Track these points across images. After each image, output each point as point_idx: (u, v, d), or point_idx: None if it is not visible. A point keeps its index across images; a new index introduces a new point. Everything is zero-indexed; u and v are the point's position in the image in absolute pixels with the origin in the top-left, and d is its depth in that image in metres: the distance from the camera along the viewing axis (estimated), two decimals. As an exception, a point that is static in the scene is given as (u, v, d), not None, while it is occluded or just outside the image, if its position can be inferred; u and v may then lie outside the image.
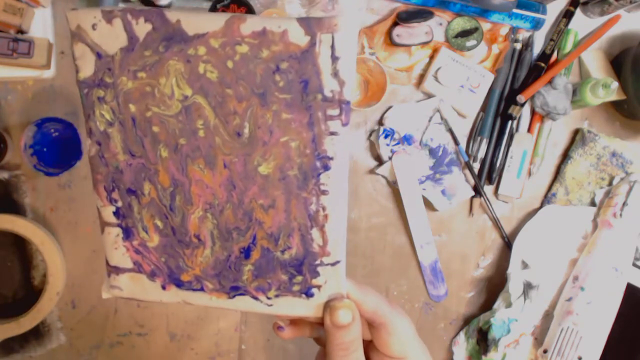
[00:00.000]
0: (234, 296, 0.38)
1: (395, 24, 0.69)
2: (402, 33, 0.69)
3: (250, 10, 0.54)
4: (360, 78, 0.71)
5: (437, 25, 0.71)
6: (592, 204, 0.73)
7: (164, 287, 0.38)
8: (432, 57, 0.71)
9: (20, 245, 0.64)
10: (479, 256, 0.74)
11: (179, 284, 0.38)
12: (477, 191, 0.72)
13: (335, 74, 0.34)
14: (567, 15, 0.72)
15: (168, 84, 0.35)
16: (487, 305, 0.74)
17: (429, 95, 0.71)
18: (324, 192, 0.36)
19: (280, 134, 0.35)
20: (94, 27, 0.36)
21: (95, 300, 0.66)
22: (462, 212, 0.73)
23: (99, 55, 0.36)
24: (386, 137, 0.69)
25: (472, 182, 0.72)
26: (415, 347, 0.36)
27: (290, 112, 0.35)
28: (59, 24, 0.65)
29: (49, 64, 0.63)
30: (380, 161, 0.71)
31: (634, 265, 0.69)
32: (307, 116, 0.35)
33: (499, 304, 0.70)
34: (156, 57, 0.35)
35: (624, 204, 0.68)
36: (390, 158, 0.69)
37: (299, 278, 0.37)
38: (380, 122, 0.71)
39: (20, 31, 0.61)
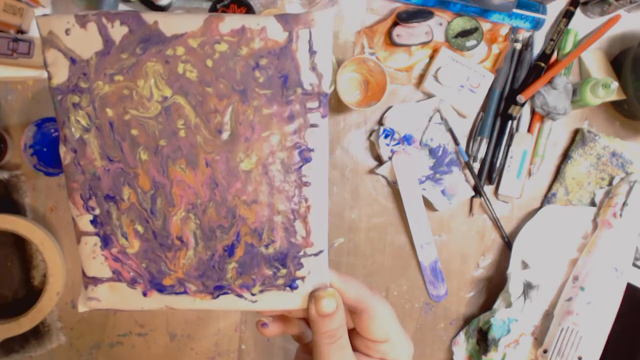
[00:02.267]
0: (218, 296, 0.37)
1: (395, 24, 0.69)
2: (402, 33, 0.69)
3: (250, 11, 0.54)
4: (360, 78, 0.71)
5: (437, 25, 0.71)
6: (592, 204, 0.73)
7: (145, 294, 0.38)
8: (432, 57, 0.71)
9: (20, 245, 0.64)
10: (479, 256, 0.74)
11: (161, 289, 0.37)
12: (477, 191, 0.72)
13: (314, 67, 0.35)
14: (567, 15, 0.72)
15: (146, 85, 0.35)
16: (487, 305, 0.74)
17: (429, 95, 0.71)
18: (305, 184, 0.36)
19: (261, 129, 0.35)
20: (67, 32, 0.35)
21: (95, 300, 0.66)
22: (462, 212, 0.73)
23: (72, 61, 0.35)
24: (386, 137, 0.69)
25: (472, 182, 0.72)
26: (396, 329, 0.37)
27: (271, 107, 0.35)
28: (59, 24, 0.65)
29: (49, 64, 0.63)
30: (380, 161, 0.71)
31: (634, 265, 0.69)
32: (288, 110, 0.35)
33: (499, 304, 0.70)
34: (133, 60, 0.35)
35: (624, 204, 0.68)
36: (390, 158, 0.69)
37: (283, 271, 0.37)
38: (380, 122, 0.71)
39: (20, 31, 0.61)
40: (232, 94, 0.35)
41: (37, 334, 0.64)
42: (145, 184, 0.36)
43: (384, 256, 0.72)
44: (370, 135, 0.71)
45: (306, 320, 0.40)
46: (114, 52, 0.35)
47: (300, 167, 0.36)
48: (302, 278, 0.37)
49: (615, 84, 0.67)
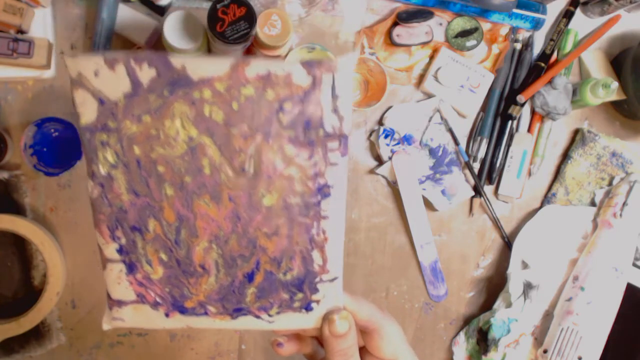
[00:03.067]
0: (236, 317, 0.39)
1: (395, 24, 0.69)
2: (402, 33, 0.69)
3: (250, 11, 0.54)
4: (360, 78, 0.71)
5: (437, 25, 0.71)
6: (592, 204, 0.73)
7: (167, 315, 0.39)
8: (432, 57, 0.71)
9: (20, 245, 0.64)
10: (479, 256, 0.74)
11: (183, 311, 0.39)
12: (477, 191, 0.72)
13: (335, 110, 0.36)
14: (567, 15, 0.72)
15: (173, 126, 0.36)
16: (487, 305, 0.74)
17: (429, 95, 0.71)
18: (324, 217, 0.38)
19: (283, 168, 0.37)
20: (96, 73, 0.36)
21: (95, 300, 0.66)
22: (462, 212, 0.73)
23: (101, 101, 0.36)
24: (386, 137, 0.69)
25: (472, 182, 0.72)
26: (404, 349, 0.40)
27: (294, 146, 0.37)
28: (59, 24, 0.65)
29: (49, 64, 0.63)
30: (380, 161, 0.71)
31: (634, 265, 0.69)
32: (309, 150, 0.37)
33: (499, 304, 0.71)
34: (161, 101, 0.36)
35: (624, 204, 0.68)
36: (390, 158, 0.69)
37: (300, 295, 0.39)
38: (380, 122, 0.71)
39: (20, 31, 0.61)
40: (256, 134, 0.36)
41: (37, 334, 0.64)
42: (170, 217, 0.38)
43: (384, 256, 0.72)
44: (370, 135, 0.71)
45: (318, 339, 0.42)
46: (141, 94, 0.36)
47: (319, 202, 0.38)
48: (317, 301, 0.39)
49: (615, 84, 0.67)
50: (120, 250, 0.38)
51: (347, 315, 0.38)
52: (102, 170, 0.37)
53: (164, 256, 0.38)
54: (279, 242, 0.38)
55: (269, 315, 0.39)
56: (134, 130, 0.36)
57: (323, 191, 0.38)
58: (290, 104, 0.36)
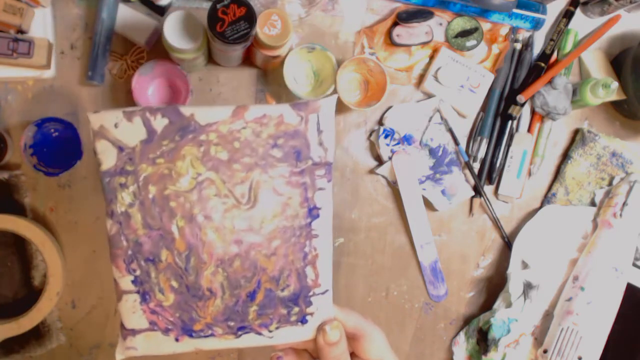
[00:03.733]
0: (240, 335, 0.43)
1: (395, 24, 0.69)
2: (402, 33, 0.69)
3: (250, 11, 0.54)
4: (360, 78, 0.71)
5: (437, 25, 0.71)
6: (592, 204, 0.73)
7: (177, 340, 0.42)
8: (432, 57, 0.71)
9: (20, 245, 0.64)
10: (479, 256, 0.74)
11: (191, 334, 0.42)
12: (477, 191, 0.72)
13: (321, 143, 0.43)
14: (567, 15, 0.72)
15: (184, 165, 0.41)
16: (487, 305, 0.74)
17: (429, 95, 0.71)
18: (315, 236, 0.43)
19: (279, 195, 0.42)
20: (116, 125, 0.41)
21: (95, 300, 0.66)
22: (462, 212, 0.73)
23: (120, 149, 0.41)
24: (386, 137, 0.69)
25: (472, 182, 0.72)
26: (388, 351, 0.44)
27: (287, 176, 0.42)
28: (59, 24, 0.65)
29: (49, 64, 0.63)
30: (380, 161, 0.71)
31: (634, 265, 0.69)
32: (301, 178, 0.42)
33: (499, 304, 0.70)
34: (173, 145, 0.41)
35: (624, 204, 0.68)
36: (390, 158, 0.69)
37: (296, 309, 0.43)
38: (380, 122, 0.71)
39: (20, 31, 0.61)
40: (255, 168, 0.42)
41: (37, 334, 0.64)
42: (181, 247, 0.42)
43: (384, 256, 0.72)
44: (370, 135, 0.71)
45: (309, 352, 0.46)
46: (156, 140, 0.41)
47: (310, 223, 0.43)
48: (312, 314, 0.43)
49: (615, 84, 0.67)
50: (135, 281, 0.42)
51: (338, 325, 0.43)
52: (121, 209, 0.41)
53: (175, 283, 0.42)
54: (277, 261, 0.42)
55: (269, 331, 0.43)
56: (149, 172, 0.41)
57: (313, 213, 0.43)
58: (282, 139, 0.42)
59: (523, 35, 0.73)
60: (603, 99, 0.68)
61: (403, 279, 0.72)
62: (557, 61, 0.72)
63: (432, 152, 0.70)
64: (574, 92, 0.71)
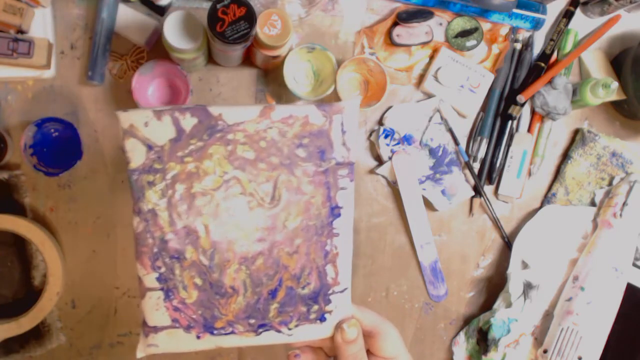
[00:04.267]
0: (260, 333, 0.43)
1: (395, 24, 0.69)
2: (402, 33, 0.69)
3: (250, 11, 0.54)
4: (360, 78, 0.71)
5: (437, 25, 0.71)
6: (592, 204, 0.73)
7: (198, 337, 0.43)
8: (432, 57, 0.71)
9: (20, 245, 0.64)
10: (479, 256, 0.74)
11: (212, 332, 0.43)
12: (477, 191, 0.72)
13: (344, 143, 0.43)
14: (567, 15, 0.72)
15: (211, 164, 0.42)
16: (487, 305, 0.74)
17: (429, 95, 0.71)
18: (336, 235, 0.44)
19: (303, 194, 0.43)
20: (146, 124, 0.41)
21: (95, 300, 0.66)
22: (462, 212, 0.73)
23: (149, 147, 0.41)
24: (386, 137, 0.69)
25: (472, 182, 0.72)
26: (402, 348, 0.45)
27: (311, 175, 0.43)
28: (59, 24, 0.65)
29: (49, 64, 0.63)
30: (380, 161, 0.71)
31: (634, 265, 0.69)
32: (324, 177, 0.43)
33: (499, 304, 0.71)
34: (201, 144, 0.41)
35: (624, 204, 0.68)
36: (390, 158, 0.69)
37: (315, 307, 0.44)
38: (380, 122, 0.71)
39: (20, 31, 0.61)
40: (280, 167, 0.42)
41: (37, 334, 0.64)
42: (205, 244, 0.42)
43: (384, 256, 0.72)
44: (370, 135, 0.71)
45: (323, 349, 0.47)
46: (184, 139, 0.41)
47: (332, 222, 0.43)
48: (330, 312, 0.44)
49: (615, 84, 0.67)
50: (159, 279, 0.42)
51: (356, 323, 0.43)
52: (148, 206, 0.41)
53: (198, 281, 0.42)
54: (298, 259, 0.43)
55: (289, 329, 0.44)
56: (177, 170, 0.41)
57: (334, 212, 0.43)
58: (307, 139, 0.43)
59: (523, 35, 0.73)
60: (603, 99, 0.68)
61: (403, 279, 0.72)
62: (557, 61, 0.72)
63: (432, 152, 0.70)
64: (574, 92, 0.71)
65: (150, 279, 0.42)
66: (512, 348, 0.68)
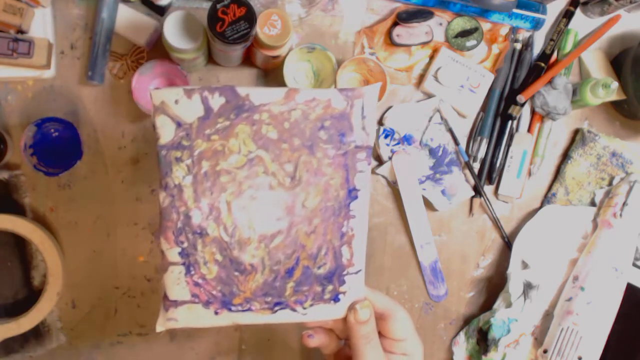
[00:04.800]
0: (276, 311, 0.44)
1: (395, 24, 0.69)
2: (402, 33, 0.69)
3: (250, 11, 0.54)
4: (360, 78, 0.71)
5: (437, 25, 0.71)
6: (592, 204, 0.73)
7: (216, 313, 0.44)
8: (432, 57, 0.71)
9: (20, 245, 0.64)
10: (479, 256, 0.74)
11: (230, 308, 0.44)
12: (477, 191, 0.72)
13: (364, 127, 0.45)
14: (567, 15, 0.72)
15: (237, 143, 0.43)
16: (487, 305, 0.74)
17: (429, 95, 0.71)
18: (352, 217, 0.45)
19: (322, 175, 0.44)
20: (176, 102, 0.42)
21: (95, 300, 0.66)
22: (462, 212, 0.73)
23: (178, 124, 0.43)
24: (386, 137, 0.69)
25: (472, 182, 0.72)
26: (412, 330, 0.47)
27: (331, 157, 0.44)
28: (59, 24, 0.65)
29: (49, 64, 0.63)
30: (380, 161, 0.71)
31: (634, 265, 0.69)
32: (343, 160, 0.45)
33: (499, 304, 0.71)
34: (227, 123, 0.43)
35: (624, 204, 0.68)
36: (390, 158, 0.69)
37: (330, 287, 0.45)
38: (380, 122, 0.71)
39: (20, 31, 0.61)
40: (302, 148, 0.44)
41: (37, 334, 0.64)
42: (228, 221, 0.43)
43: (384, 256, 0.72)
44: (370, 135, 0.71)
45: (334, 332, 0.48)
46: (212, 117, 0.43)
47: (349, 204, 0.45)
48: (344, 292, 0.45)
49: (615, 84, 0.67)
50: (181, 253, 0.43)
51: (369, 304, 0.45)
52: (175, 182, 0.43)
53: (219, 257, 0.43)
54: (316, 239, 0.44)
55: (304, 308, 0.45)
56: (204, 147, 0.43)
57: (352, 194, 0.45)
58: (329, 122, 0.44)
59: (523, 35, 0.73)
60: (603, 99, 0.68)
61: (403, 279, 0.72)
62: (557, 61, 0.72)
63: (432, 152, 0.70)
64: (574, 92, 0.71)
65: (173, 253, 0.43)
66: (512, 348, 0.68)
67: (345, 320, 0.45)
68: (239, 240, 0.43)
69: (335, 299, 0.45)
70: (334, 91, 0.44)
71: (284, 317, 0.45)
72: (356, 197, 0.45)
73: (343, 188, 0.44)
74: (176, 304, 0.43)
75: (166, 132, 0.43)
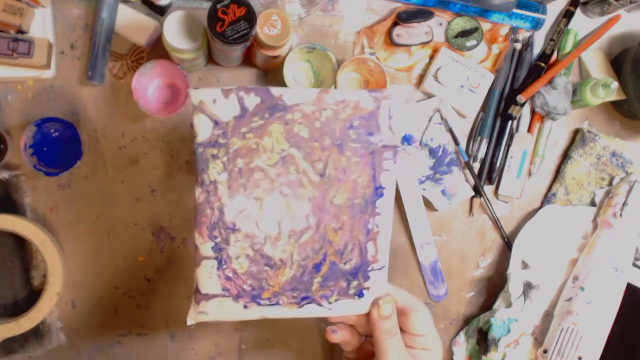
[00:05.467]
0: (302, 305, 0.46)
1: (395, 24, 0.69)
2: (402, 33, 0.69)
3: (250, 11, 0.54)
4: (360, 78, 0.71)
5: (437, 25, 0.71)
6: (592, 204, 0.73)
7: (245, 307, 0.45)
8: (432, 57, 0.71)
9: (20, 245, 0.64)
10: (479, 256, 0.74)
11: (259, 302, 0.45)
12: (477, 191, 0.72)
13: (390, 127, 0.46)
14: (567, 15, 0.72)
15: (270, 141, 0.45)
16: (487, 305, 0.74)
17: (429, 95, 0.71)
18: (378, 214, 0.46)
19: (350, 173, 0.46)
20: (214, 101, 0.44)
21: (95, 300, 0.66)
22: (462, 212, 0.73)
23: (215, 123, 0.44)
24: (386, 137, 0.69)
25: (472, 182, 0.72)
26: (432, 326, 0.49)
27: (359, 156, 0.46)
28: (59, 24, 0.65)
29: (49, 64, 0.63)
30: (380, 161, 0.71)
31: (634, 265, 0.69)
32: (370, 158, 0.46)
33: (499, 304, 0.71)
34: (262, 122, 0.45)
35: (624, 204, 0.68)
36: (390, 158, 0.69)
37: (355, 283, 0.46)
38: (380, 122, 0.71)
39: (20, 31, 0.61)
40: (332, 147, 0.45)
41: (37, 334, 0.64)
42: (259, 217, 0.45)
43: (384, 256, 0.72)
44: (370, 135, 0.71)
45: (355, 327, 0.49)
46: (247, 116, 0.44)
47: (375, 201, 0.46)
48: (368, 288, 0.46)
49: (615, 84, 0.67)
50: (214, 248, 0.45)
51: (391, 300, 0.46)
52: (211, 178, 0.44)
53: (250, 252, 0.45)
54: (343, 235, 0.46)
55: (329, 303, 0.46)
56: (239, 145, 0.44)
57: (378, 192, 0.46)
58: (358, 122, 0.45)
59: (523, 35, 0.73)
60: (603, 99, 0.68)
61: (403, 279, 0.72)
62: (557, 61, 0.72)
63: (432, 152, 0.70)
64: (574, 92, 0.71)
65: (206, 248, 0.44)
66: (512, 348, 0.68)
67: (368, 315, 0.47)
68: (270, 236, 0.45)
69: (360, 294, 0.46)
70: (364, 92, 0.46)
71: (310, 311, 0.46)
72: (382, 195, 0.46)
73: (370, 186, 0.46)
74: (207, 297, 0.45)
75: (203, 130, 0.44)
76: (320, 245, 0.45)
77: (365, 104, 0.46)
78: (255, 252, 0.45)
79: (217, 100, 0.44)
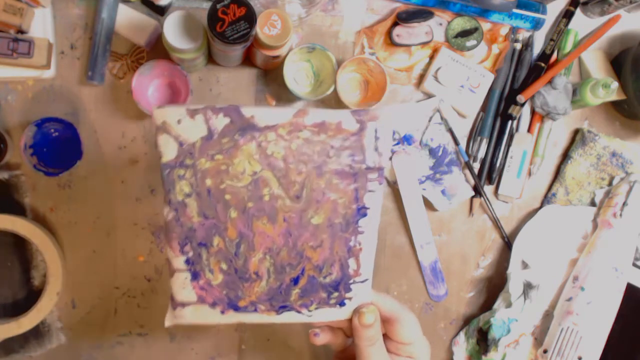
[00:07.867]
0: (281, 312, 0.45)
1: (395, 24, 0.69)
2: (402, 33, 0.69)
3: (250, 11, 0.54)
4: (360, 78, 0.71)
5: (437, 25, 0.71)
6: (592, 204, 0.73)
7: (222, 312, 0.45)
8: (432, 57, 0.71)
9: (20, 245, 0.64)
10: (479, 256, 0.74)
11: (236, 309, 0.45)
12: (477, 191, 0.72)
13: (376, 148, 0.44)
14: (567, 15, 0.72)
15: (241, 163, 0.43)
16: (487, 305, 0.74)
17: (429, 95, 0.71)
18: (360, 232, 0.45)
19: (330, 194, 0.44)
20: (178, 122, 0.42)
21: (95, 300, 0.66)
22: (462, 212, 0.73)
23: (181, 144, 0.42)
24: (386, 137, 0.69)
25: (472, 182, 0.72)
26: (419, 334, 0.47)
27: (340, 178, 0.44)
28: (59, 24, 0.65)
29: (49, 64, 0.63)
30: (380, 161, 0.71)
31: (634, 265, 0.69)
32: (353, 180, 0.44)
33: (499, 304, 0.71)
34: (232, 143, 0.43)
35: (624, 204, 0.68)
36: (390, 158, 0.69)
37: (336, 294, 0.45)
38: (380, 122, 0.71)
39: (20, 31, 0.61)
40: (309, 169, 0.43)
41: (37, 334, 0.64)
42: (232, 235, 0.44)
43: (384, 256, 0.72)
44: (370, 135, 0.71)
45: (344, 331, 0.49)
46: (216, 138, 0.42)
47: (358, 220, 0.44)
48: (350, 298, 0.45)
49: (615, 84, 0.67)
50: (187, 262, 0.44)
51: (374, 309, 0.45)
52: (178, 198, 0.43)
53: (224, 266, 0.44)
54: (322, 252, 0.44)
55: (309, 311, 0.45)
56: (207, 166, 0.43)
57: (361, 212, 0.44)
58: (339, 144, 0.43)
59: (523, 35, 0.73)
60: (603, 99, 0.68)
61: (403, 279, 0.72)
62: (557, 61, 0.72)
63: (432, 152, 0.70)
64: (574, 92, 0.71)
65: (178, 261, 0.44)
66: (512, 348, 0.68)
67: (350, 321, 0.46)
68: (244, 252, 0.44)
69: (341, 304, 0.45)
70: (346, 113, 0.43)
71: (289, 317, 0.45)
72: (365, 215, 0.44)
73: (351, 206, 0.44)
74: (183, 304, 0.44)
75: (168, 151, 0.43)
76: (298, 262, 0.44)
77: (347, 125, 0.43)
78: (229, 266, 0.44)
79: (182, 121, 0.42)
